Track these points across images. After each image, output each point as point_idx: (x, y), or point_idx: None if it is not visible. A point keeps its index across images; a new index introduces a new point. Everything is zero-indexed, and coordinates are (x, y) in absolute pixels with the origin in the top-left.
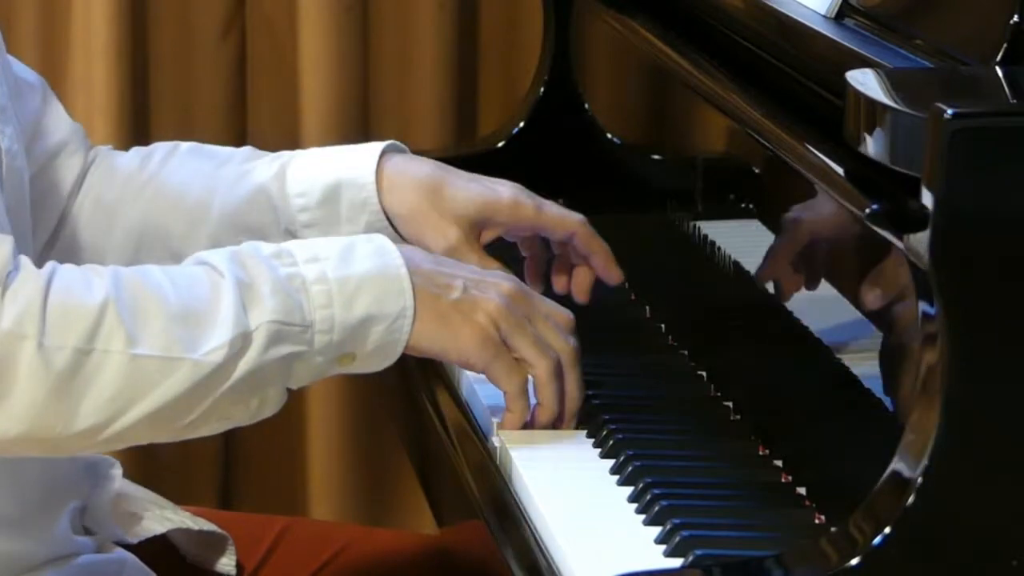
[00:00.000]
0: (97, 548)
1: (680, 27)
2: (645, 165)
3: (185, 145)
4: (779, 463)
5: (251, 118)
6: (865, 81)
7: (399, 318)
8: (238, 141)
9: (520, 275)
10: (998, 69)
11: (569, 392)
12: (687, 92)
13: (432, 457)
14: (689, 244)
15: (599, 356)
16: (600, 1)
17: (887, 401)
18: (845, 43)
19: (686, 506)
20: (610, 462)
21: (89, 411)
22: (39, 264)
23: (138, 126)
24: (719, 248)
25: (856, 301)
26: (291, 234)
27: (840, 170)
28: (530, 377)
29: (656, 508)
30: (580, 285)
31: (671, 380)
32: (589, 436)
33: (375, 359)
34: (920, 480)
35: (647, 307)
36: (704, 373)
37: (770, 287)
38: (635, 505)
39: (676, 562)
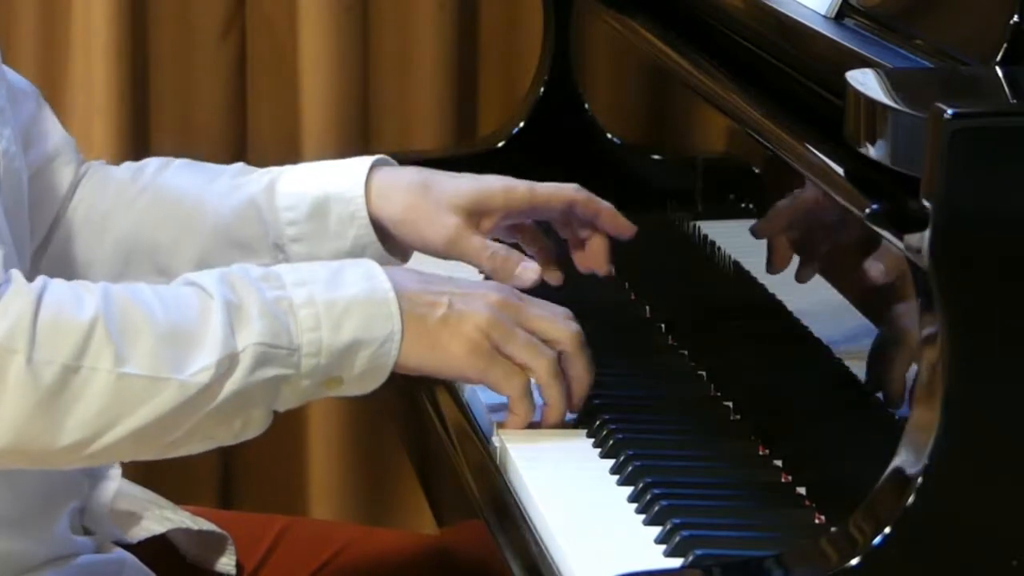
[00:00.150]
0: (96, 548)
1: (680, 27)
2: (645, 165)
3: (178, 160)
4: (779, 463)
5: (251, 118)
6: (865, 81)
7: (386, 342)
8: (238, 141)
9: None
10: (998, 69)
11: (577, 376)
12: (687, 92)
13: (432, 457)
14: (689, 244)
15: (599, 356)
16: (600, 1)
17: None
18: (845, 43)
19: (686, 506)
20: (610, 462)
21: (74, 427)
22: (30, 273)
23: (138, 126)
24: (719, 248)
25: (856, 301)
26: (279, 248)
27: (840, 170)
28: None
29: (656, 508)
30: (597, 255)
31: (671, 380)
32: (589, 436)
33: (362, 383)
34: (920, 480)
35: (647, 307)
36: (704, 373)
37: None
38: (635, 505)
39: (676, 562)
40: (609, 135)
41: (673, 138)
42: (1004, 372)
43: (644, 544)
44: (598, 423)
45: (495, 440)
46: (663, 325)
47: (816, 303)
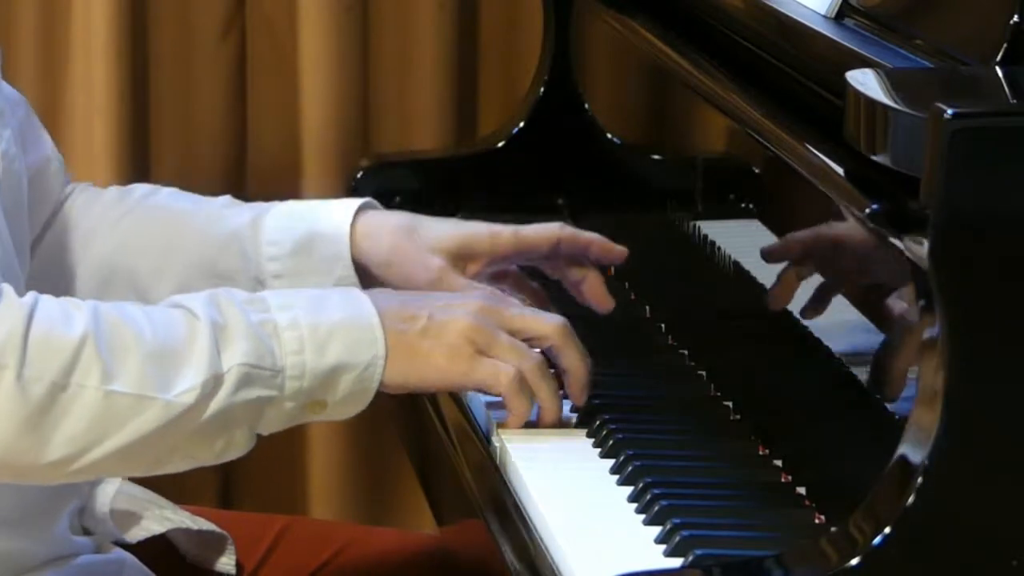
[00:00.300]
0: (96, 548)
1: (680, 27)
2: (645, 165)
3: (166, 189)
4: (779, 463)
5: (251, 118)
6: (865, 81)
7: (370, 367)
8: (238, 141)
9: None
10: (998, 69)
11: (571, 367)
12: (687, 92)
13: (432, 457)
14: (689, 244)
15: (599, 356)
16: (600, 1)
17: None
18: (845, 43)
19: (686, 506)
20: (610, 462)
21: (61, 443)
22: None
23: (138, 126)
24: (719, 248)
25: (855, 301)
26: (260, 283)
27: (840, 170)
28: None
29: (656, 508)
30: (595, 294)
31: (671, 380)
32: (589, 436)
33: (345, 407)
34: (920, 480)
35: (647, 307)
36: (704, 373)
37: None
38: (635, 505)
39: (676, 562)
40: (609, 135)
41: (673, 138)
42: (1004, 372)
43: (644, 544)
44: (598, 423)
45: (495, 440)
46: (663, 325)
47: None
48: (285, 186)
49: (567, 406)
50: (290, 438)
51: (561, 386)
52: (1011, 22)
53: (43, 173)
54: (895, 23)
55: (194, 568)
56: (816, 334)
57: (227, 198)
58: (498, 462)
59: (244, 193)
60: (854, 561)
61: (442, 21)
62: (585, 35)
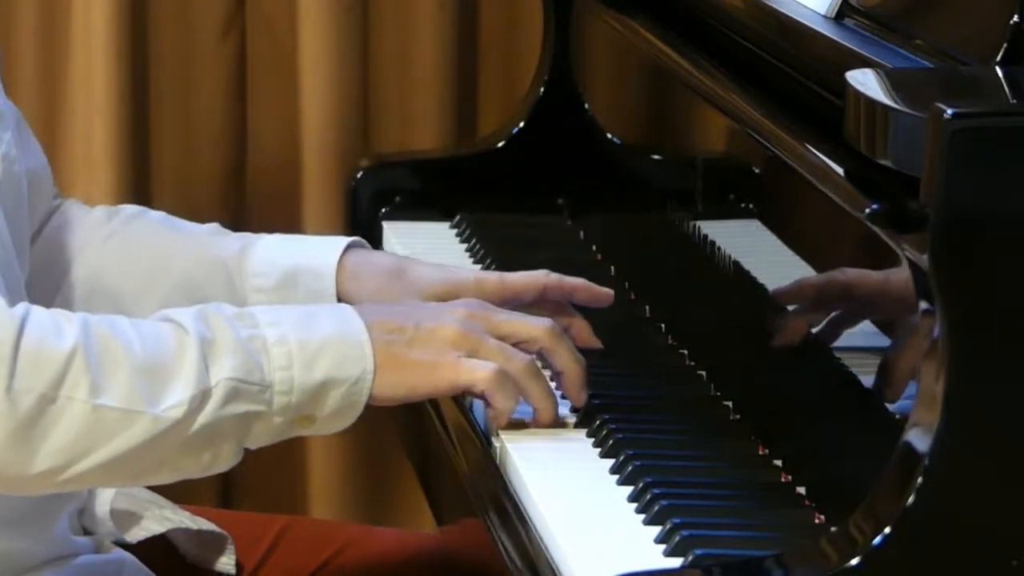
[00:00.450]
0: (96, 548)
1: (680, 27)
2: (645, 165)
3: (154, 212)
4: (779, 463)
5: (251, 118)
6: (865, 81)
7: (358, 381)
8: (238, 141)
9: None
10: (998, 69)
11: (564, 368)
12: (687, 92)
13: (432, 457)
14: (689, 244)
15: (599, 356)
16: (600, 1)
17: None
18: (845, 43)
19: (686, 506)
20: (610, 462)
21: (47, 455)
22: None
23: (138, 126)
24: (719, 248)
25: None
26: (236, 308)
27: (840, 170)
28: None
29: (656, 508)
30: (583, 339)
31: (671, 380)
32: (589, 436)
33: (334, 422)
34: (920, 480)
35: (647, 307)
36: (704, 373)
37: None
38: (635, 505)
39: (676, 562)
40: (609, 135)
41: (673, 138)
42: (1004, 372)
43: (644, 544)
44: (598, 423)
45: (495, 440)
46: (663, 325)
47: None
48: (285, 186)
49: (567, 406)
50: (290, 439)
51: (559, 388)
52: (1011, 22)
53: (41, 174)
54: (895, 23)
55: (194, 568)
56: (816, 334)
57: (215, 225)
58: (498, 462)
59: (244, 193)
60: (854, 561)
61: (442, 21)
62: (585, 35)
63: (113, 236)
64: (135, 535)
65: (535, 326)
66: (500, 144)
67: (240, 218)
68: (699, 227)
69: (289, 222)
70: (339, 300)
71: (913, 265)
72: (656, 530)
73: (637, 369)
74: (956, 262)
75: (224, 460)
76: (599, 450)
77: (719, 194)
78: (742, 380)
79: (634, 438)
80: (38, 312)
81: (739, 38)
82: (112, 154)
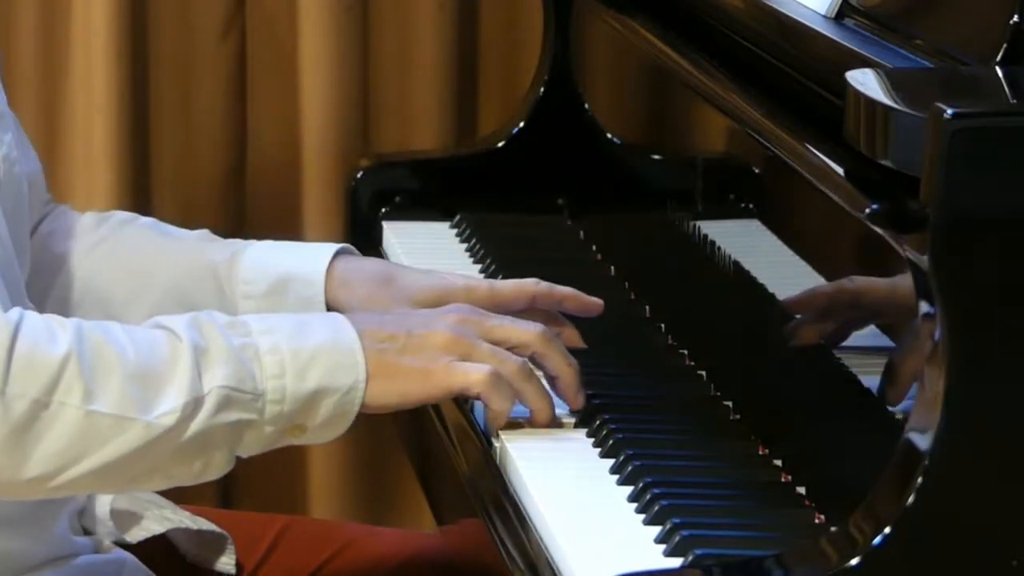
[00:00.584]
0: (96, 548)
1: (680, 27)
2: (645, 165)
3: (144, 218)
4: (779, 463)
5: (251, 118)
6: (865, 81)
7: (350, 391)
8: (238, 141)
9: None
10: (998, 69)
11: (557, 372)
12: (687, 92)
13: (432, 457)
14: (689, 244)
15: (599, 356)
16: (600, 1)
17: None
18: (845, 43)
19: (686, 506)
20: (610, 461)
21: (39, 461)
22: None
23: (138, 126)
24: (719, 248)
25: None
26: (229, 316)
27: (840, 170)
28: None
29: (656, 508)
30: (572, 342)
31: (671, 380)
32: (589, 436)
33: (325, 431)
34: (920, 480)
35: (647, 307)
36: (704, 373)
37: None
38: (635, 505)
39: (676, 562)
40: (609, 135)
41: (673, 138)
42: (1004, 372)
43: (644, 544)
44: (598, 423)
45: (495, 440)
46: (663, 325)
47: None
48: (285, 186)
49: (566, 407)
50: None
51: (555, 393)
52: (1011, 22)
53: (36, 178)
54: (895, 23)
55: (194, 568)
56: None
57: (204, 232)
58: (498, 462)
59: (244, 193)
60: (854, 561)
61: (442, 21)
62: (585, 35)
63: (103, 242)
64: (135, 535)
65: (527, 331)
66: (500, 144)
67: (240, 218)
68: (699, 227)
69: (289, 222)
70: (328, 307)
71: (913, 265)
72: (656, 530)
73: (637, 369)
74: (956, 262)
75: (215, 468)
76: (599, 450)
77: (719, 194)
78: (742, 380)
79: (634, 438)
80: (32, 317)
81: (739, 38)
82: (112, 154)
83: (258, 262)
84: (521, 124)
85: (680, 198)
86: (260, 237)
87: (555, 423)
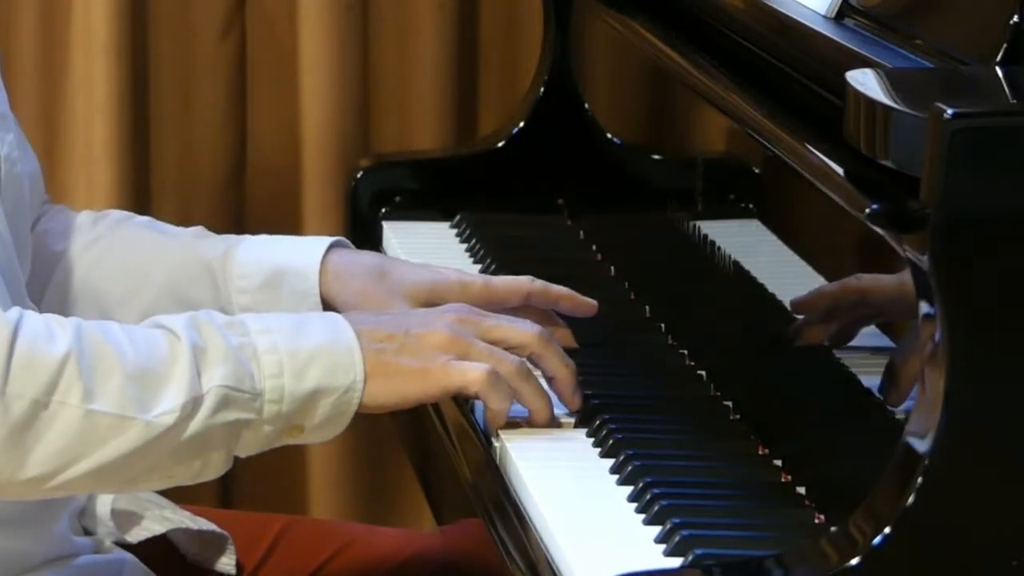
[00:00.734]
0: (96, 548)
1: (680, 27)
2: (645, 165)
3: (140, 217)
4: (779, 463)
5: (251, 118)
6: (865, 81)
7: (348, 391)
8: (238, 141)
9: None
10: (998, 69)
11: (555, 373)
12: (687, 92)
13: (432, 457)
14: (689, 244)
15: (599, 356)
16: (600, 1)
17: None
18: (845, 43)
19: (686, 505)
20: (610, 461)
21: (39, 460)
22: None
23: (138, 126)
24: (719, 248)
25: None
26: (226, 315)
27: (840, 170)
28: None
29: (656, 507)
30: (565, 342)
31: (671, 380)
32: (589, 436)
33: (323, 431)
34: (920, 480)
35: (647, 307)
36: (704, 373)
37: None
38: (635, 504)
39: (676, 561)
40: (609, 135)
41: (673, 138)
42: (1004, 372)
43: (644, 544)
44: (598, 423)
45: (495, 440)
46: (663, 325)
47: None
48: (285, 186)
49: (565, 407)
50: None
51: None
52: (1011, 22)
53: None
54: (895, 23)
55: (194, 568)
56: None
57: (200, 228)
58: (498, 462)
59: (244, 193)
60: (854, 561)
61: (442, 21)
62: (585, 35)
63: (99, 241)
64: (136, 535)
65: (525, 331)
66: (500, 144)
67: (240, 218)
68: (699, 227)
69: (289, 222)
70: (323, 300)
71: (913, 265)
72: (656, 530)
73: (637, 369)
74: (956, 262)
75: (214, 468)
76: (599, 450)
77: (719, 194)
78: (742, 380)
79: (634, 438)
80: (31, 317)
81: (739, 38)
82: (112, 154)
83: (252, 256)
84: (521, 124)
85: (680, 198)
86: None
87: (554, 423)
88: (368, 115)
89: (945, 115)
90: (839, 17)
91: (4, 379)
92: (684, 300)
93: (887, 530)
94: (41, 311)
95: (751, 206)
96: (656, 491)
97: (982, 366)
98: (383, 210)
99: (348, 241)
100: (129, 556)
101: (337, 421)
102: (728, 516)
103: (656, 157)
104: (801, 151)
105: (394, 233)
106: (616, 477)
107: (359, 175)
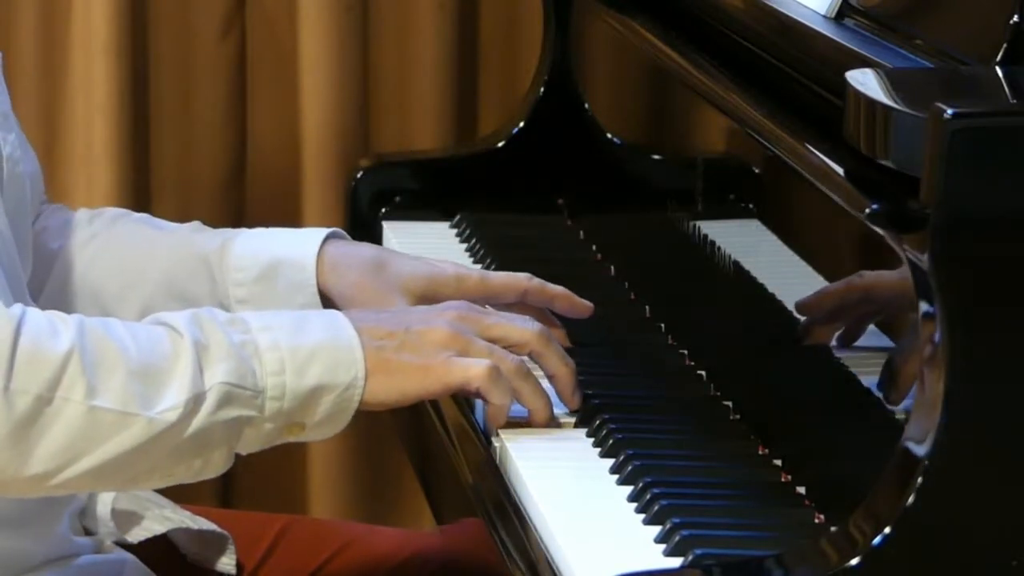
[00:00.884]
0: (97, 548)
1: (680, 27)
2: (645, 165)
3: (136, 214)
4: (779, 463)
5: (251, 118)
6: (865, 81)
7: (349, 388)
8: (238, 141)
9: None
10: (998, 69)
11: (555, 371)
12: (687, 92)
13: (432, 457)
14: (689, 244)
15: (599, 356)
16: (600, 1)
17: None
18: (845, 43)
19: (686, 505)
20: (610, 461)
21: (43, 457)
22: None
23: (138, 126)
24: (719, 248)
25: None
26: (224, 308)
27: (840, 170)
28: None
29: (656, 507)
30: (561, 341)
31: (671, 380)
32: (589, 436)
33: (323, 428)
34: (920, 480)
35: (647, 307)
36: (704, 373)
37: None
38: (635, 504)
39: (676, 561)
40: (609, 135)
41: (673, 138)
42: (1004, 372)
43: (644, 543)
44: (598, 423)
45: (495, 440)
46: (663, 325)
47: None
48: (285, 186)
49: (565, 407)
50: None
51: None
52: (1011, 22)
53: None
54: (895, 23)
55: (195, 568)
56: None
57: (196, 223)
58: (498, 462)
59: (244, 193)
60: (854, 561)
61: (442, 21)
62: (585, 35)
63: (96, 237)
64: (136, 535)
65: (525, 329)
66: (500, 144)
67: (240, 218)
68: (699, 227)
69: (289, 222)
70: (319, 292)
71: (913, 265)
72: (656, 530)
73: (637, 369)
74: (956, 262)
75: (215, 466)
76: (599, 450)
77: (719, 194)
78: (742, 380)
79: (634, 438)
80: (34, 313)
81: (739, 38)
82: (112, 154)
83: (248, 248)
84: (521, 124)
85: (680, 198)
86: None
87: (553, 423)
88: (368, 115)
89: (945, 115)
90: (839, 17)
91: (8, 375)
92: (684, 300)
93: (887, 530)
94: (42, 300)
95: (751, 206)
96: (656, 491)
97: (982, 366)
98: (383, 210)
99: (345, 232)
100: (129, 556)
101: (338, 419)
102: (728, 516)
103: (656, 157)
104: (801, 151)
105: (394, 233)
106: (616, 477)
107: (359, 175)
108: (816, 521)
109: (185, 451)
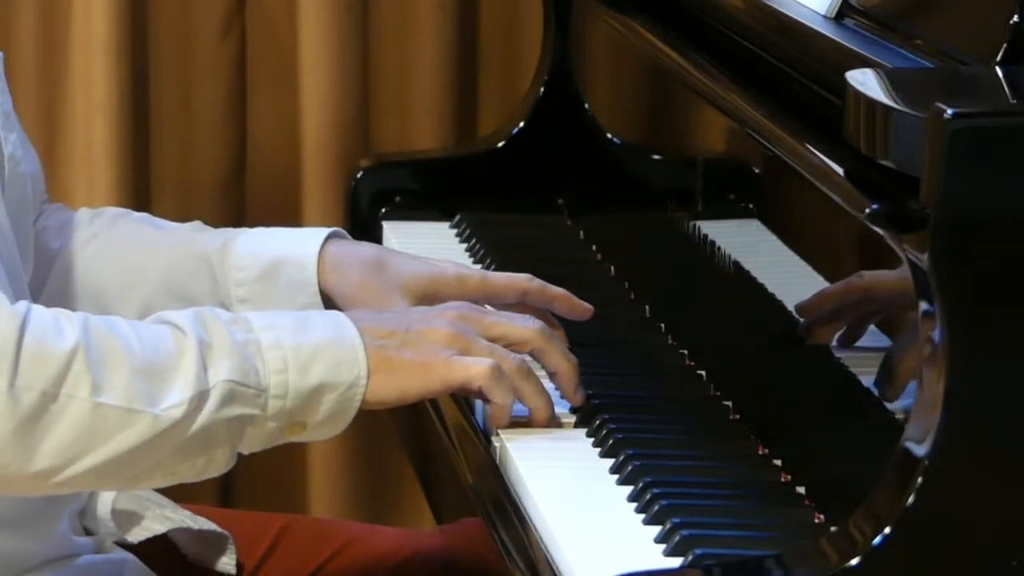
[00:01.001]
0: (97, 548)
1: (680, 27)
2: (645, 165)
3: (137, 213)
4: (779, 463)
5: (251, 118)
6: (865, 81)
7: (352, 387)
8: (238, 141)
9: None
10: (998, 69)
11: (557, 369)
12: (687, 92)
13: (432, 457)
14: (689, 244)
15: (599, 356)
16: (600, 1)
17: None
18: (845, 43)
19: (686, 505)
20: (610, 461)
21: (47, 453)
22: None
23: (138, 126)
24: (719, 248)
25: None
26: (225, 307)
27: (840, 170)
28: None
29: (656, 507)
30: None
31: (671, 380)
32: (589, 436)
33: (325, 428)
34: (920, 480)
35: (647, 307)
36: (704, 373)
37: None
38: (635, 504)
39: (676, 561)
40: (609, 135)
41: (673, 138)
42: (1004, 372)
43: (644, 543)
44: (598, 423)
45: (495, 440)
46: (663, 325)
47: None
48: (285, 186)
49: (566, 406)
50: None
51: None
52: (1011, 22)
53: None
54: (895, 23)
55: (195, 568)
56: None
57: (197, 223)
58: (498, 462)
59: (244, 193)
60: (854, 561)
61: (442, 21)
62: (585, 35)
63: (96, 237)
64: (136, 535)
65: (526, 327)
66: (500, 144)
67: (240, 218)
68: (699, 227)
69: (289, 222)
70: (320, 292)
71: (913, 265)
72: (656, 530)
73: (637, 369)
74: (956, 262)
75: (217, 465)
76: (599, 450)
77: (719, 194)
78: (742, 380)
79: (634, 438)
80: (39, 311)
81: (739, 38)
82: (112, 154)
83: (250, 248)
84: (521, 124)
85: (680, 198)
86: None
87: (554, 422)
88: (368, 115)
89: (945, 115)
90: (839, 17)
91: (13, 371)
92: (684, 300)
93: (887, 530)
94: (43, 298)
95: (751, 206)
96: (656, 491)
97: (982, 366)
98: (383, 210)
99: (346, 232)
100: (130, 556)
101: (340, 418)
102: (728, 516)
103: (656, 157)
104: (801, 151)
105: (394, 233)
106: (616, 477)
107: (359, 175)
108: (816, 521)
109: (188, 449)
